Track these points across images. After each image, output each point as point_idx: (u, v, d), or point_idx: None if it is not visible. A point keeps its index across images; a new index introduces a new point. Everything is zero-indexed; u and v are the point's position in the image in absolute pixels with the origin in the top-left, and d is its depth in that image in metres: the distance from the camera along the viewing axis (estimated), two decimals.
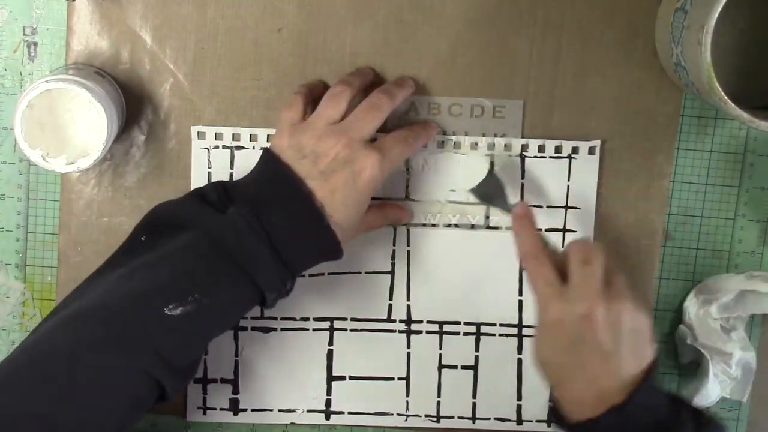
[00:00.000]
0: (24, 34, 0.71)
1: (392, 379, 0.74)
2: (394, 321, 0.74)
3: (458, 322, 0.73)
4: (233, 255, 0.59)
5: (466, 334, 0.74)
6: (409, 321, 0.74)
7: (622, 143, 0.72)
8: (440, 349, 0.74)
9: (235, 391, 0.74)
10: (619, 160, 0.73)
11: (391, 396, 0.74)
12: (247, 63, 0.71)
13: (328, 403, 0.74)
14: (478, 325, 0.74)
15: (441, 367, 0.74)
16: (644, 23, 0.71)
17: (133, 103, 0.71)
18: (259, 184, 0.63)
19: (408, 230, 0.73)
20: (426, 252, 0.73)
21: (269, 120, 0.71)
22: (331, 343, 0.74)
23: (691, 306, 0.73)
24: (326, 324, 0.73)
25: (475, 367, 0.74)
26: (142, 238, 0.63)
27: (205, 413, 0.74)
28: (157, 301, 0.58)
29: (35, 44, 0.71)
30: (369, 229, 0.69)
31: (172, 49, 0.71)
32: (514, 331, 0.74)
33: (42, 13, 0.70)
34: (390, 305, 0.73)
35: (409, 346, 0.74)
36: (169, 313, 0.57)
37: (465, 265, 0.73)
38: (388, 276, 0.73)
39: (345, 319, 0.73)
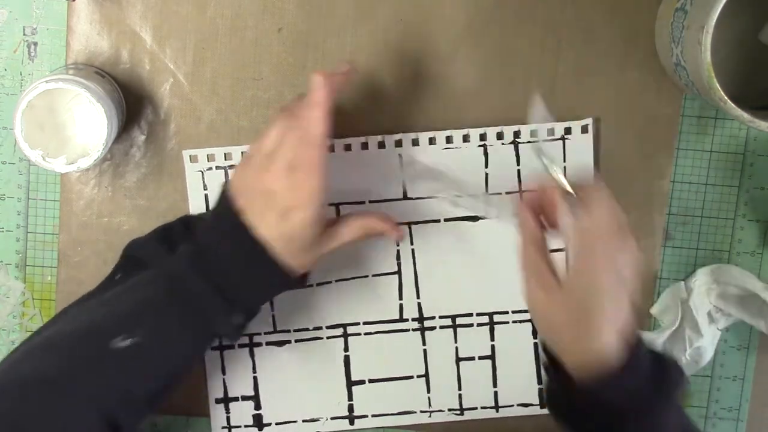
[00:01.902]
0: (24, 34, 0.71)
1: (411, 377, 0.74)
2: (406, 320, 0.73)
3: (470, 314, 0.73)
4: (180, 294, 0.60)
5: (479, 324, 0.74)
6: (421, 318, 0.73)
7: (622, 143, 0.72)
8: (456, 342, 0.74)
9: (258, 406, 0.74)
10: (619, 161, 0.73)
11: (413, 394, 0.74)
12: (247, 63, 0.71)
13: (350, 408, 0.74)
14: (490, 315, 0.73)
15: (458, 360, 0.74)
16: (644, 23, 0.71)
17: (133, 103, 0.71)
18: (209, 221, 0.63)
19: (410, 228, 0.73)
20: (430, 248, 0.73)
21: (269, 120, 0.71)
22: (346, 349, 0.74)
23: (703, 279, 0.73)
24: (340, 331, 0.73)
25: (492, 357, 0.74)
26: (117, 277, 0.66)
27: None
28: (106, 334, 0.58)
29: (35, 44, 0.71)
30: (343, 244, 0.65)
31: (172, 49, 0.71)
32: (527, 316, 0.73)
33: (42, 13, 0.70)
34: (401, 305, 0.73)
35: (424, 343, 0.74)
36: (118, 346, 0.58)
37: (470, 257, 0.73)
38: (396, 276, 0.73)
39: (357, 323, 0.73)
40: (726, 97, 0.60)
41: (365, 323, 0.73)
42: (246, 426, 0.74)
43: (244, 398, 0.74)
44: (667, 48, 0.67)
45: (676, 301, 0.73)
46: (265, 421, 0.74)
